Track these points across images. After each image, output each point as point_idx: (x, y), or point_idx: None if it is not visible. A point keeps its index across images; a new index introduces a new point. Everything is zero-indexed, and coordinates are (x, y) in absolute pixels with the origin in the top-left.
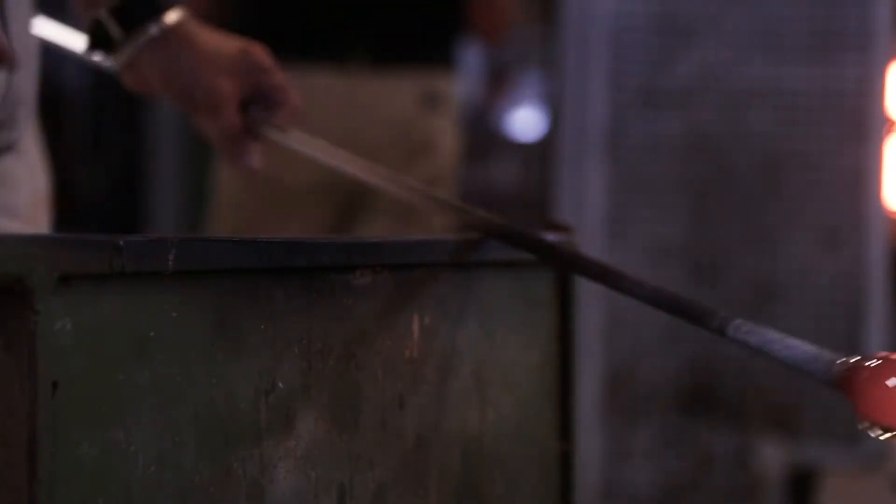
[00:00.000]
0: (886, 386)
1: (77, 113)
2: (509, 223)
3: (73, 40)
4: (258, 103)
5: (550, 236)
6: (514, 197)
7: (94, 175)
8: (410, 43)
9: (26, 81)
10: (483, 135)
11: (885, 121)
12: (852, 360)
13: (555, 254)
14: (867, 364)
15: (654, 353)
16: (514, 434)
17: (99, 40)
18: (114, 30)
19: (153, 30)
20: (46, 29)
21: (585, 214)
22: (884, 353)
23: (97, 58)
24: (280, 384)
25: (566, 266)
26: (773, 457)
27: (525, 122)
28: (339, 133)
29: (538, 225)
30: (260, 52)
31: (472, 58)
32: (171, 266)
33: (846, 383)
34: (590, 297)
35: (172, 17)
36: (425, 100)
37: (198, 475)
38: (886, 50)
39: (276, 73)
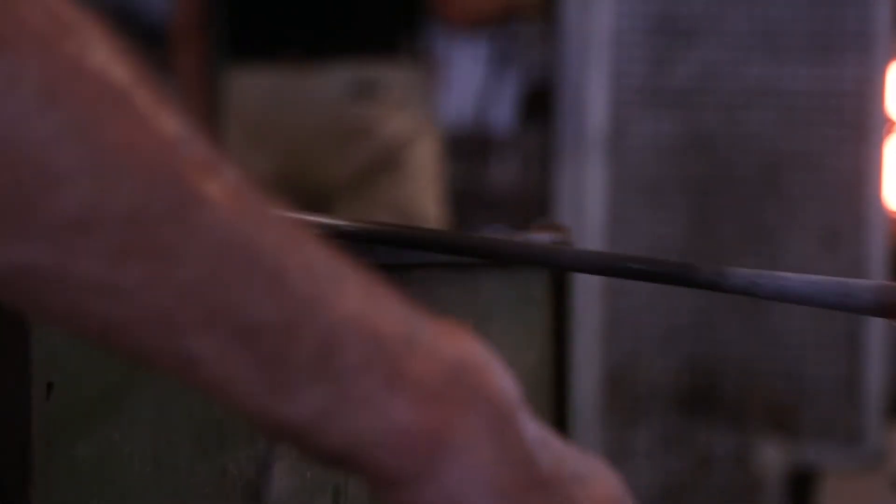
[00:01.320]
0: None
1: None
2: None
3: None
4: None
5: (545, 237)
6: (513, 197)
7: None
8: (347, 32)
9: None
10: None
11: (885, 121)
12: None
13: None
14: None
15: (654, 353)
16: None
17: None
18: None
19: None
20: None
21: (585, 214)
22: None
23: None
24: None
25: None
26: (773, 457)
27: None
28: (270, 128)
29: (532, 226)
30: None
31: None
32: None
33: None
34: (589, 297)
35: None
36: (361, 87)
37: (193, 476)
38: (886, 50)
39: None
